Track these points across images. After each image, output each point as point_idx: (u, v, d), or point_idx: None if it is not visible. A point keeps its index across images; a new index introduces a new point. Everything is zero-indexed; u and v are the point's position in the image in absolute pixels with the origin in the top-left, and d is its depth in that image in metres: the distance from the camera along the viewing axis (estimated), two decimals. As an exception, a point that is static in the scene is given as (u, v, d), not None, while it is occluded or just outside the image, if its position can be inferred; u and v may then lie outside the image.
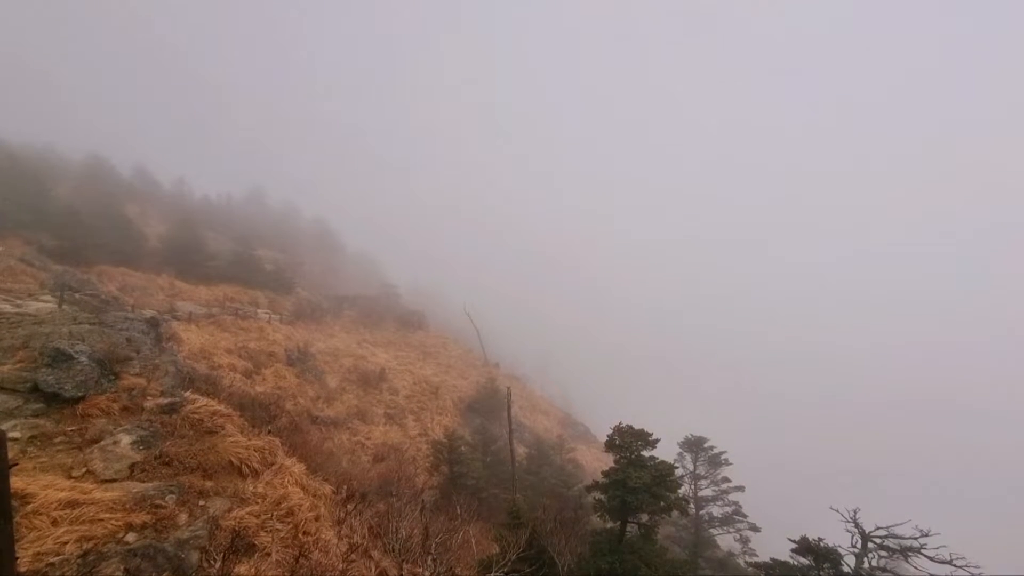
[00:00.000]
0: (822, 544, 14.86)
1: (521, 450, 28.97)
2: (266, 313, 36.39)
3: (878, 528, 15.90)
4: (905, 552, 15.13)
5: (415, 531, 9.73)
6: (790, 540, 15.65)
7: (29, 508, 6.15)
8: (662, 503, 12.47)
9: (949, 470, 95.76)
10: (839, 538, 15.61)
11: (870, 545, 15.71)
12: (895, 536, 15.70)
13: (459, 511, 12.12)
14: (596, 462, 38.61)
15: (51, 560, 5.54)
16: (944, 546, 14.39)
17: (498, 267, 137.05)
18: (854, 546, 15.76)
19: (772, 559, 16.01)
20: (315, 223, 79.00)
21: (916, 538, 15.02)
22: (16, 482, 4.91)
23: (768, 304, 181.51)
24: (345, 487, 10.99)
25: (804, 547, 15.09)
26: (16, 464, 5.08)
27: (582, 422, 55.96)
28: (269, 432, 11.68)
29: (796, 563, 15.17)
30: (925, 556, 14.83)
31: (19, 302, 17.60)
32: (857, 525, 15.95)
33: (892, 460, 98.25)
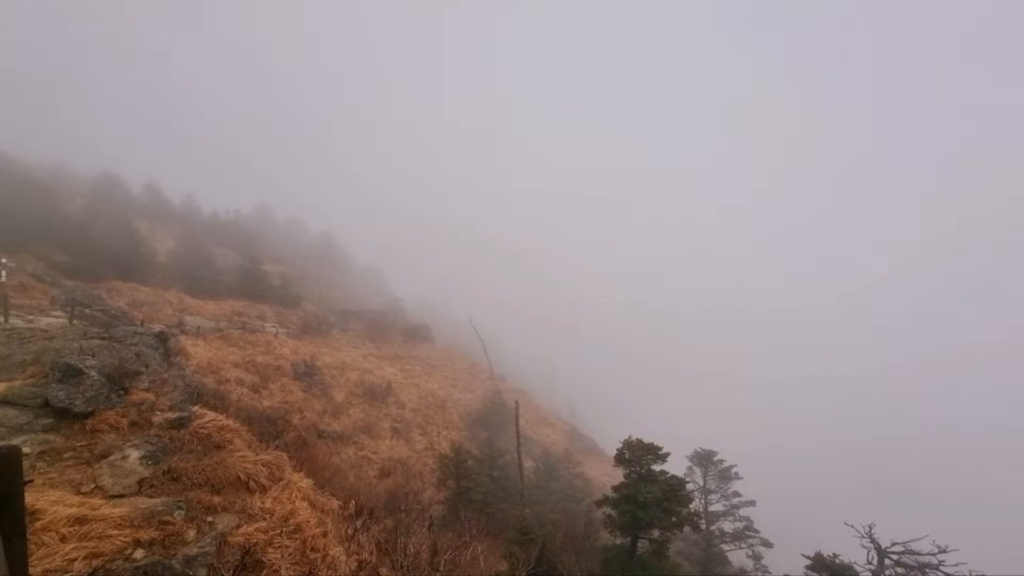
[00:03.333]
0: (837, 560, 14.55)
1: (528, 464, 28.69)
2: (273, 327, 36.51)
3: (894, 544, 15.56)
4: (923, 569, 14.78)
5: (423, 547, 9.61)
6: (804, 556, 15.34)
7: (38, 524, 6.12)
8: (673, 518, 12.28)
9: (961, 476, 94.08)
10: (855, 554, 15.30)
11: (887, 562, 15.37)
12: (912, 552, 15.35)
13: (467, 527, 11.98)
14: (604, 476, 38.12)
15: (60, 577, 5.50)
16: (964, 563, 14.04)
17: (503, 279, 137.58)
18: (870, 562, 15.42)
19: (786, 576, 15.68)
20: (321, 238, 79.57)
21: (934, 554, 14.68)
22: (26, 498, 4.92)
23: (774, 307, 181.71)
24: (353, 502, 10.89)
25: (819, 564, 14.78)
26: (31, 481, 5.09)
27: (588, 435, 55.44)
28: (276, 447, 11.63)
29: (811, 580, 14.84)
30: (944, 573, 14.48)
31: (30, 317, 17.76)
32: (873, 541, 15.63)
33: (904, 469, 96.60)
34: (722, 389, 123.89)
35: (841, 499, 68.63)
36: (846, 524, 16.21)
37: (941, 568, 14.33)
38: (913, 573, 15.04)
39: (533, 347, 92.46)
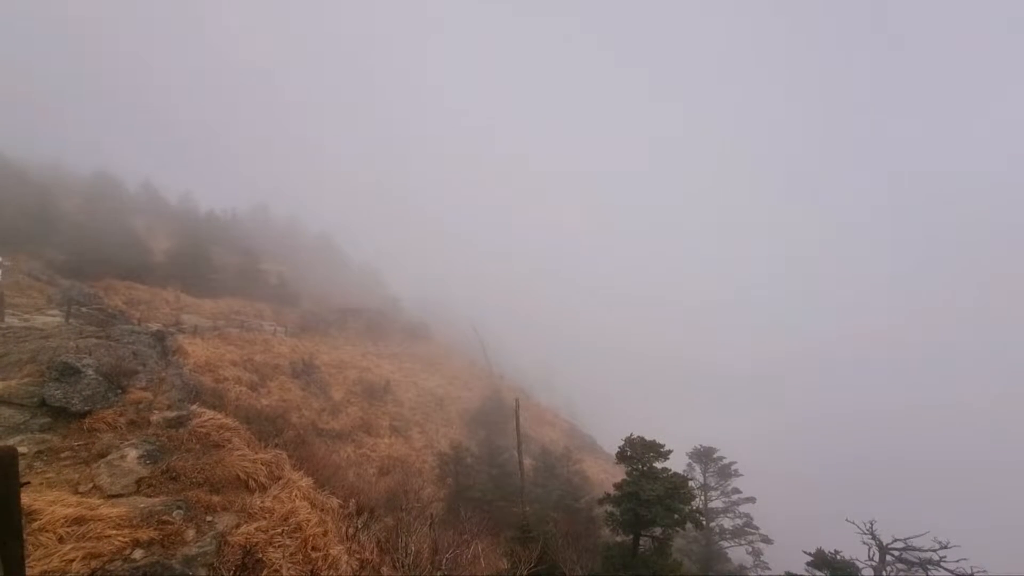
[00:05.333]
0: (839, 557, 14.54)
1: (527, 462, 28.64)
2: (271, 326, 36.37)
3: (896, 540, 15.56)
4: (924, 565, 14.78)
5: (424, 546, 9.55)
6: (805, 553, 15.32)
7: (36, 525, 6.04)
8: (676, 516, 12.24)
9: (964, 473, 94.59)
10: (856, 551, 15.29)
11: (888, 558, 15.37)
12: (913, 548, 15.35)
13: (467, 525, 11.92)
14: (603, 474, 38.15)
15: (57, 578, 5.41)
16: (965, 559, 14.04)
17: (503, 279, 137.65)
18: (871, 559, 15.42)
19: (787, 573, 15.66)
20: (319, 237, 79.41)
21: (935, 550, 14.68)
22: (23, 498, 4.85)
23: (774, 304, 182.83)
24: (353, 501, 10.82)
25: (820, 560, 14.77)
26: (27, 483, 5.00)
27: (587, 433, 55.50)
28: (276, 445, 11.55)
29: (812, 577, 14.82)
30: (945, 569, 14.49)
31: (27, 316, 17.63)
32: (874, 537, 15.62)
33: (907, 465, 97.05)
34: (722, 386, 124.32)
35: (842, 493, 68.85)
36: (847, 520, 16.23)
37: (942, 564, 14.35)
38: (914, 569, 15.05)
39: (532, 346, 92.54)
